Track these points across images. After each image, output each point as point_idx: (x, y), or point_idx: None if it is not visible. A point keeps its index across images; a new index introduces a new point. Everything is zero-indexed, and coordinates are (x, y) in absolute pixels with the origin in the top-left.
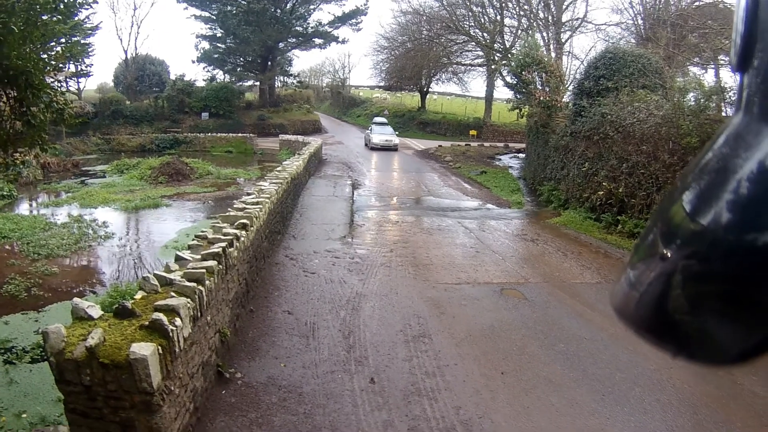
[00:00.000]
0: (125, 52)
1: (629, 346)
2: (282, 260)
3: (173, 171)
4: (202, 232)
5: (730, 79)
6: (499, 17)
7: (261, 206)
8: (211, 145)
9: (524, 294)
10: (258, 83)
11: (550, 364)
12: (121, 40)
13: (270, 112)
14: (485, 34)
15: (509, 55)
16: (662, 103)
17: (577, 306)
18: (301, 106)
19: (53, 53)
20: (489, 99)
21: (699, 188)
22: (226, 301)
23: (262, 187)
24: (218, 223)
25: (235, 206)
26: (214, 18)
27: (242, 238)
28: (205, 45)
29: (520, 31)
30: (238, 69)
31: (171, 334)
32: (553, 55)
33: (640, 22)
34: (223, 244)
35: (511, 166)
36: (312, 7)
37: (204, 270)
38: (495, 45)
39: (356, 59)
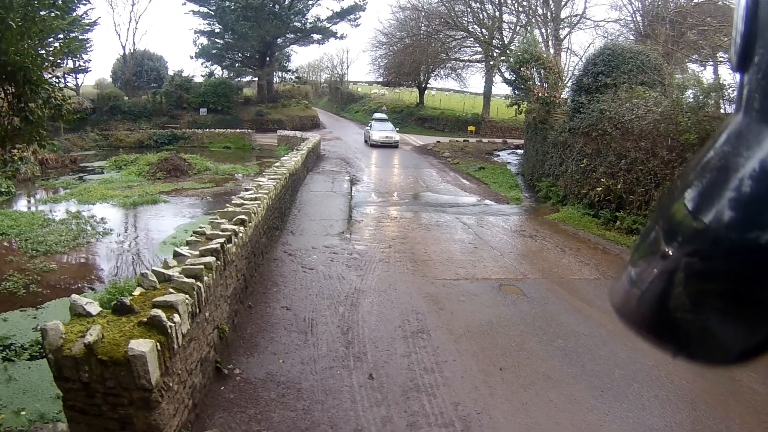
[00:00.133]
0: (123, 47)
1: (628, 343)
2: (280, 256)
3: (171, 167)
4: (201, 228)
5: (728, 76)
6: (497, 13)
7: (259, 202)
8: (209, 140)
9: (523, 290)
10: (256, 79)
11: (549, 360)
12: (119, 35)
13: (268, 108)
14: (484, 30)
15: (508, 51)
16: (661, 100)
17: (576, 302)
18: (300, 102)
19: (51, 49)
20: (487, 95)
21: (701, 186)
22: (225, 297)
23: (261, 183)
24: (216, 219)
25: (233, 202)
26: (213, 13)
27: (240, 234)
28: (204, 41)
29: (518, 27)
30: (237, 65)
31: (169, 330)
32: (551, 51)
33: (638, 18)
34: (222, 240)
35: (509, 162)
36: (310, 2)
37: (202, 266)
38: (493, 41)
39: (354, 55)
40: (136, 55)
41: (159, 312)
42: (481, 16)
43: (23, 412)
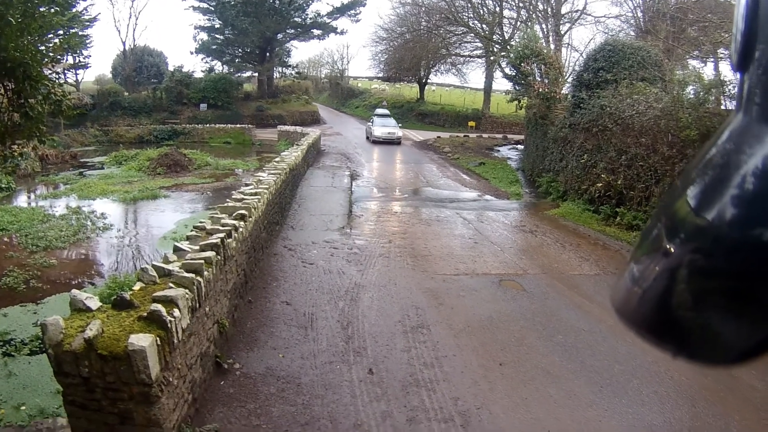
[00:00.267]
0: (123, 43)
1: (628, 339)
2: (280, 251)
3: (171, 162)
4: (201, 223)
5: (729, 72)
6: (498, 9)
7: (259, 197)
8: (210, 136)
9: (523, 285)
10: (256, 74)
11: (549, 356)
12: (119, 31)
13: (268, 103)
14: (484, 26)
15: (508, 47)
16: (661, 96)
17: (576, 297)
18: (300, 97)
19: (51, 45)
20: (488, 90)
21: (703, 183)
22: (225, 291)
23: (261, 178)
24: (216, 213)
25: (233, 197)
26: (213, 9)
27: (240, 229)
28: (204, 36)
29: (519, 23)
30: (237, 60)
31: (169, 325)
32: (552, 46)
33: (639, 14)
34: (222, 235)
35: (509, 158)
36: None
37: (202, 261)
38: (494, 36)
39: (355, 50)
40: (136, 51)
41: (159, 307)
42: (481, 11)
43: (23, 407)
